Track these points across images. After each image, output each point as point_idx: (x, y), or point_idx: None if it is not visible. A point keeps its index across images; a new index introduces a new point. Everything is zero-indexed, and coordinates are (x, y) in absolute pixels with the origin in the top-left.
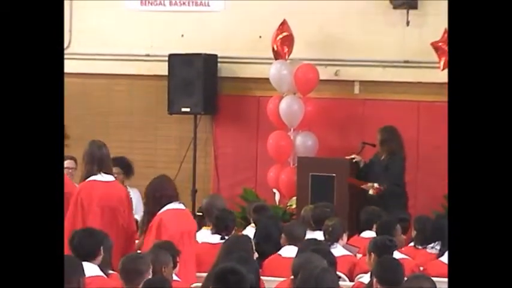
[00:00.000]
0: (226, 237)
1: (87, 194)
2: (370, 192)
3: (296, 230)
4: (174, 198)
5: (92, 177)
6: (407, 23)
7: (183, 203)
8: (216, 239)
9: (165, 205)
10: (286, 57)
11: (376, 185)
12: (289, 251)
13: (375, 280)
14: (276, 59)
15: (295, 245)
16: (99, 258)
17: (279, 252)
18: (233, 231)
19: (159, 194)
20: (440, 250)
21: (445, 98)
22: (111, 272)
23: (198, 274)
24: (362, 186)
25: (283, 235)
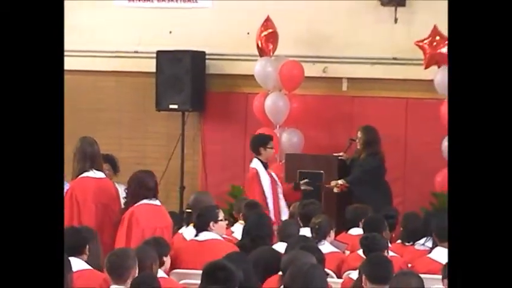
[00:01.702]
0: (208, 230)
1: (82, 191)
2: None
3: (289, 228)
4: (151, 194)
5: (85, 174)
6: (396, 20)
7: (158, 200)
8: (204, 236)
9: (141, 199)
10: (271, 54)
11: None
12: (282, 247)
13: (363, 277)
14: (261, 56)
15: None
16: (84, 256)
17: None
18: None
19: (138, 188)
20: (429, 247)
21: (433, 95)
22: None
23: (186, 271)
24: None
25: (276, 233)
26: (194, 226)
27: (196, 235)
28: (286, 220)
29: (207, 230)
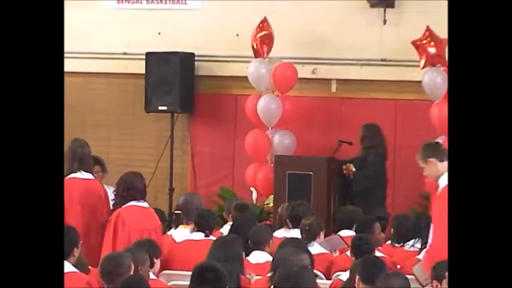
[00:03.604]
0: (211, 235)
1: (68, 192)
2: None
3: (260, 235)
4: (139, 196)
5: (72, 175)
6: (385, 22)
7: (147, 202)
8: (200, 236)
9: (129, 201)
10: (265, 55)
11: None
12: (256, 257)
13: (357, 278)
14: (255, 57)
15: (259, 250)
16: (74, 258)
17: (247, 258)
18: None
19: (126, 189)
20: (418, 248)
21: (423, 97)
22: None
23: (181, 272)
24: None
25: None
26: (196, 225)
27: (207, 235)
28: (257, 225)
29: (209, 231)
